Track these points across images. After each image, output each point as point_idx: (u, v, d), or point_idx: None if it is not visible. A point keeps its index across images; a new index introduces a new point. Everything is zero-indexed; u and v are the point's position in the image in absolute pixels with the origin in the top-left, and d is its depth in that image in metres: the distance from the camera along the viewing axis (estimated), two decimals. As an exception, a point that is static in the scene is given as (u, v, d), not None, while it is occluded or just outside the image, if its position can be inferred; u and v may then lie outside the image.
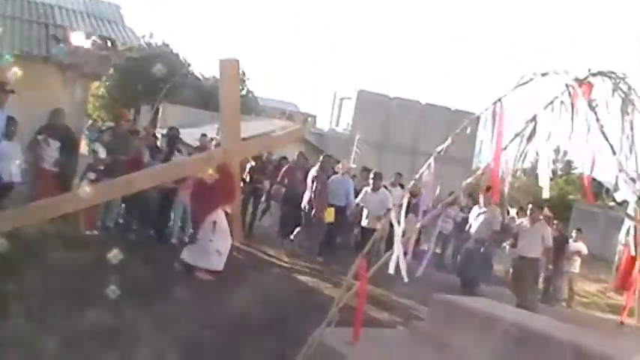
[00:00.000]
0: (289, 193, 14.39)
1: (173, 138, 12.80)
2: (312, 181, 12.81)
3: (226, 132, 10.51)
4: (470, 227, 12.46)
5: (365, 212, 12.88)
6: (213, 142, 14.72)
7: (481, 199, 12.34)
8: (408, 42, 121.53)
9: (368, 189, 13.02)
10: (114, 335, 5.99)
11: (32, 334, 5.55)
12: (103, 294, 7.02)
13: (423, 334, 6.63)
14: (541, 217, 11.34)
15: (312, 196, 12.69)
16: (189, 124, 29.04)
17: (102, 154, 11.31)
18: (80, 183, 10.97)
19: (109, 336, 5.95)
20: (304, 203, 12.87)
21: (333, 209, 12.92)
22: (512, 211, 16.57)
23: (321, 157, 14.11)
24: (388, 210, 12.38)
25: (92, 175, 10.92)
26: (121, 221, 11.89)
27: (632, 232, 11.46)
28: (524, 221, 11.91)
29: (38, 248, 8.42)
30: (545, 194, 5.45)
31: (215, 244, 9.31)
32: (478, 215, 12.13)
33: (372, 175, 13.34)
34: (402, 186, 14.75)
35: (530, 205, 11.99)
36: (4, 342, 5.35)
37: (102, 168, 11.07)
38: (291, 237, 12.96)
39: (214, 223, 9.36)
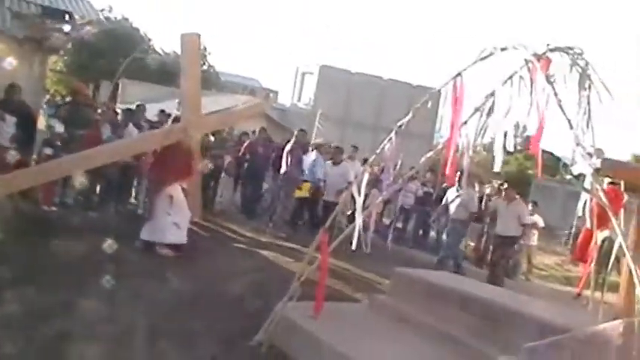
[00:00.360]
0: (251, 168, 14.39)
1: (136, 114, 12.77)
2: (287, 156, 12.75)
3: (186, 107, 10.38)
4: (447, 208, 12.54)
5: (326, 186, 12.83)
6: (171, 118, 14.60)
7: (458, 182, 12.33)
8: (369, 17, 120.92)
9: (329, 163, 13.00)
10: (70, 314, 5.92)
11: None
12: (59, 271, 6.95)
13: (384, 308, 6.71)
14: (516, 196, 11.45)
15: (287, 170, 12.64)
16: (149, 100, 28.66)
17: (59, 129, 11.13)
18: (37, 158, 10.80)
19: (65, 315, 5.88)
20: (280, 178, 12.84)
21: (308, 184, 12.93)
22: (487, 190, 16.74)
23: (296, 132, 14.09)
24: (349, 184, 12.43)
25: (49, 151, 10.75)
26: (80, 197, 11.71)
27: (588, 205, 11.75)
28: (500, 200, 12.02)
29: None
30: (497, 168, 5.55)
31: (173, 217, 9.24)
32: (455, 197, 12.19)
33: (332, 150, 13.33)
34: (365, 160, 14.86)
35: (505, 185, 12.11)
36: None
37: (59, 143, 10.89)
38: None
39: (171, 197, 9.28)
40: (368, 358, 5.14)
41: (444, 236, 13.07)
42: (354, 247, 5.64)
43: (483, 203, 14.94)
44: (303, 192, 12.90)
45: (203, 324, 6.26)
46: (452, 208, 12.28)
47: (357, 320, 6.40)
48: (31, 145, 10.75)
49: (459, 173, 12.33)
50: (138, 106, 14.60)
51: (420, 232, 16.17)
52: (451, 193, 12.50)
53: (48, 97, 25.44)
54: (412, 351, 5.59)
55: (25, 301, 5.89)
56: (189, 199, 9.90)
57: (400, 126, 5.78)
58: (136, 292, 6.89)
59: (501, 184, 14.55)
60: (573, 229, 12.54)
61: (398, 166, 10.15)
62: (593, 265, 11.12)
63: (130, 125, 12.03)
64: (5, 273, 6.45)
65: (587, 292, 11.35)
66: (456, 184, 12.33)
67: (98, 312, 6.03)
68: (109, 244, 8.21)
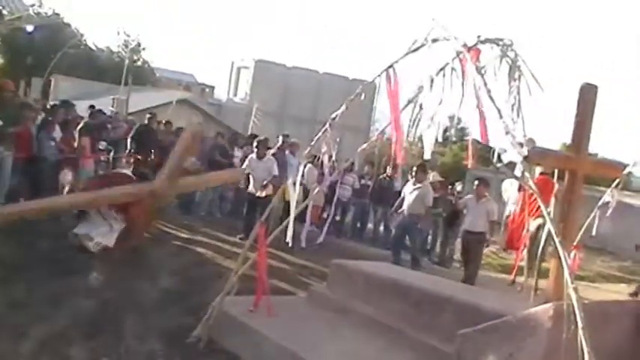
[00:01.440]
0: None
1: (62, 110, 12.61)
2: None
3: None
4: (402, 202, 12.51)
5: (251, 180, 12.75)
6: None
7: (414, 175, 12.32)
8: (309, 10, 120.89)
9: (253, 156, 12.92)
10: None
11: None
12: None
13: (323, 300, 6.74)
14: (486, 193, 11.50)
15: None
16: (82, 96, 28.23)
17: None
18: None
19: None
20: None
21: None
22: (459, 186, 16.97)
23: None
24: (274, 177, 12.41)
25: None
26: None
27: (514, 193, 12.02)
28: (471, 197, 12.04)
29: None
30: (427, 155, 5.63)
31: (109, 219, 9.14)
32: (412, 191, 12.18)
33: (255, 143, 13.25)
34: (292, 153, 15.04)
35: (476, 181, 12.16)
36: None
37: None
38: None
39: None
40: (308, 350, 5.15)
41: (396, 232, 12.94)
42: (288, 240, 5.65)
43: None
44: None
45: (140, 321, 6.18)
46: (408, 201, 12.34)
47: (296, 313, 6.41)
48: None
49: (414, 167, 12.47)
50: (63, 102, 14.52)
51: (358, 224, 16.30)
52: (407, 188, 12.51)
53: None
54: (352, 342, 5.62)
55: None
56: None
57: (334, 118, 5.81)
58: (72, 290, 6.77)
59: (441, 181, 14.83)
60: (504, 218, 12.70)
61: (333, 159, 10.16)
62: (525, 252, 11.41)
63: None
64: None
65: (521, 279, 11.66)
66: (411, 177, 12.40)
67: (31, 310, 5.90)
68: (38, 241, 8.08)
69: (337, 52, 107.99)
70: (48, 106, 14.89)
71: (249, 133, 18.87)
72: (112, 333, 5.75)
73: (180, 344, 5.75)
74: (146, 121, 15.07)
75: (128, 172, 10.01)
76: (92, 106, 17.69)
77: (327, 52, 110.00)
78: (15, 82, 13.24)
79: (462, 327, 4.62)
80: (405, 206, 12.19)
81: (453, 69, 5.08)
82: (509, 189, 12.81)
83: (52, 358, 4.93)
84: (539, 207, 5.49)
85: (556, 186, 10.19)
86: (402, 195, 12.53)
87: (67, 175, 9.94)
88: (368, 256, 11.40)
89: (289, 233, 5.64)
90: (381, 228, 15.92)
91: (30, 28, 10.93)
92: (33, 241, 8.03)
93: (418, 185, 12.06)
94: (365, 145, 6.81)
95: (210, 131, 17.56)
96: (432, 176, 15.56)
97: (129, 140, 14.23)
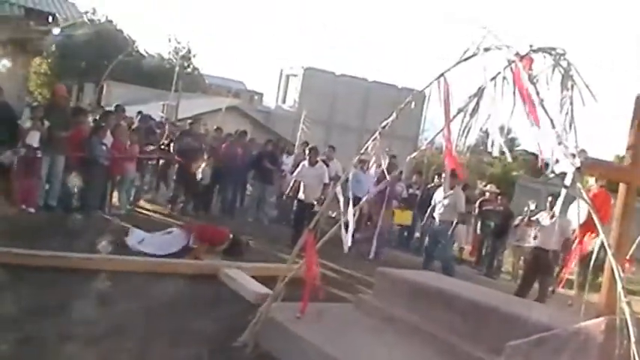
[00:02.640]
0: (230, 169, 14.53)
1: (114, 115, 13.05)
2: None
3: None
4: (433, 209, 12.39)
5: (302, 186, 12.78)
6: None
7: (446, 182, 12.20)
8: (353, 18, 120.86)
9: (305, 163, 12.97)
10: (59, 314, 5.91)
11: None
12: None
13: (369, 308, 6.73)
14: (558, 212, 11.17)
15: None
16: (132, 102, 28.69)
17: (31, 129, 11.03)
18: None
19: (56, 315, 5.86)
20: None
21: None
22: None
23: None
24: (325, 185, 12.46)
25: (20, 152, 10.66)
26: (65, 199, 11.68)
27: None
28: (543, 213, 11.75)
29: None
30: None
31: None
32: (443, 198, 12.04)
33: (308, 150, 13.31)
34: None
35: (549, 197, 11.84)
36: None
37: (35, 145, 10.77)
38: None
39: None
40: (353, 357, 5.15)
41: (428, 239, 12.69)
42: (345, 249, 5.65)
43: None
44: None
45: (187, 324, 6.26)
46: (439, 209, 12.24)
47: (343, 320, 6.40)
48: (13, 146, 10.67)
49: (443, 175, 12.36)
50: (116, 107, 14.92)
51: (405, 233, 16.24)
52: (438, 195, 12.42)
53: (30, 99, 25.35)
54: (396, 350, 5.60)
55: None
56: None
57: (384, 126, 5.80)
58: (119, 293, 6.89)
59: (485, 185, 14.67)
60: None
61: (383, 168, 10.03)
62: (576, 264, 11.16)
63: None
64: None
65: (571, 292, 11.42)
66: (443, 184, 12.28)
67: (84, 311, 6.01)
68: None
69: (387, 61, 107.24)
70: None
71: (297, 140, 18.92)
72: (160, 336, 5.83)
73: (227, 348, 5.79)
74: (187, 127, 15.25)
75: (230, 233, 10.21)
76: (140, 112, 18.03)
77: (373, 60, 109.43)
78: (68, 87, 13.54)
79: (509, 339, 4.57)
80: (436, 214, 12.07)
81: (504, 78, 5.03)
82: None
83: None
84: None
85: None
86: (433, 203, 12.41)
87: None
88: (414, 266, 11.35)
89: (346, 241, 5.64)
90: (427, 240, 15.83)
91: (56, 30, 11.23)
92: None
93: (450, 192, 11.91)
94: (414, 154, 6.80)
95: (259, 138, 17.67)
96: (488, 187, 15.43)
97: (172, 145, 14.44)
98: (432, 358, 5.49)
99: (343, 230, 5.67)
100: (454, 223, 12.02)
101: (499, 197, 15.81)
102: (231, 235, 9.99)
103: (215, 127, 16.72)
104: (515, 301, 7.10)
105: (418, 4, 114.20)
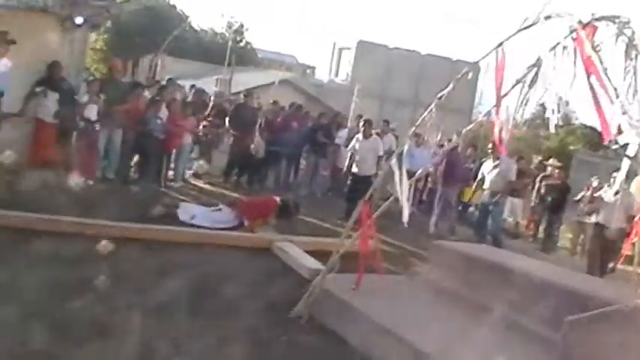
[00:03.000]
0: (284, 142, 14.56)
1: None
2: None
3: None
4: (482, 181, 12.20)
5: (356, 159, 12.71)
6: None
7: (494, 153, 11.98)
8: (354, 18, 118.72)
9: (359, 136, 12.90)
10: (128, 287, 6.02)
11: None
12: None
13: (424, 280, 6.70)
14: (621, 187, 10.88)
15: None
16: (187, 76, 28.93)
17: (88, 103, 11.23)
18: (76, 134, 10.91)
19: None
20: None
21: None
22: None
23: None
24: (379, 157, 12.38)
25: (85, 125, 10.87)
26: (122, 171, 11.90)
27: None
28: (606, 189, 11.48)
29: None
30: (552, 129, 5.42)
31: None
32: (492, 169, 11.84)
33: (362, 122, 13.21)
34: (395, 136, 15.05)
35: (614, 173, 11.54)
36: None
37: (93, 118, 10.97)
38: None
39: None
40: (407, 329, 5.13)
41: (479, 211, 12.51)
42: (405, 222, 5.60)
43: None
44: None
45: (240, 297, 6.31)
46: (488, 178, 11.98)
47: (397, 293, 6.39)
48: (72, 120, 10.88)
49: (490, 145, 12.13)
50: (168, 80, 15.14)
51: (460, 207, 16.06)
52: (487, 166, 12.24)
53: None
54: (451, 323, 5.57)
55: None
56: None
57: (440, 97, 5.71)
58: (176, 264, 6.99)
59: (542, 161, 14.39)
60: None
61: (438, 138, 9.86)
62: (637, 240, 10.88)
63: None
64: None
65: (630, 268, 11.17)
66: (492, 155, 12.06)
67: (141, 281, 6.12)
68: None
69: (440, 33, 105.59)
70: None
71: (350, 114, 18.82)
72: (214, 308, 5.89)
73: (281, 320, 5.83)
74: (242, 100, 15.25)
75: (277, 198, 10.19)
76: (193, 86, 18.12)
77: (430, 32, 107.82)
78: (124, 62, 13.70)
79: (567, 313, 4.50)
80: (486, 185, 11.90)
81: (564, 48, 4.90)
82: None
83: (163, 331, 5.07)
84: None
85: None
86: (481, 175, 12.19)
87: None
88: (469, 239, 11.24)
89: (404, 213, 5.59)
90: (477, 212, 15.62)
91: (79, 20, 11.29)
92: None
93: (497, 162, 11.71)
94: (470, 126, 6.70)
95: (312, 112, 17.62)
96: (551, 162, 15.13)
97: (227, 119, 14.51)
98: (487, 333, 5.43)
99: (404, 204, 5.62)
100: (502, 194, 11.83)
101: (556, 170, 15.52)
102: (279, 201, 9.98)
103: (272, 100, 16.72)
104: (573, 276, 6.98)
105: (418, 4, 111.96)
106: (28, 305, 4.98)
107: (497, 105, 5.37)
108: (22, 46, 9.68)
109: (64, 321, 4.93)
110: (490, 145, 11.98)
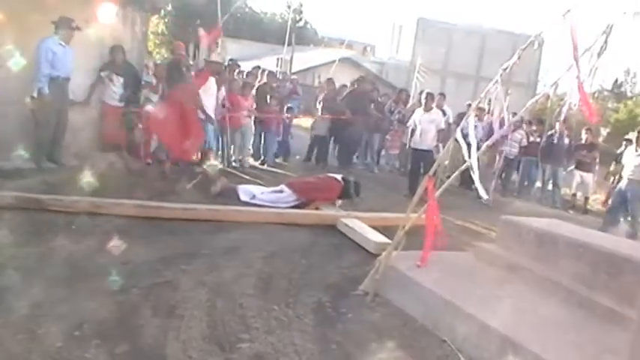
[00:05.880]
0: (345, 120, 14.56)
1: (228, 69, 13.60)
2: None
3: None
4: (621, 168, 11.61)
5: (417, 132, 12.55)
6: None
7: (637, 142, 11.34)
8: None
9: (420, 109, 12.74)
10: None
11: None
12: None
13: (491, 256, 6.59)
14: None
15: None
16: (248, 57, 29.15)
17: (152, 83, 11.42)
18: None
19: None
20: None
21: None
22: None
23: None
24: (439, 131, 12.22)
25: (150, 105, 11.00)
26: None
27: None
28: None
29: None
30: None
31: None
32: (637, 156, 11.19)
33: (424, 96, 13.04)
34: (469, 106, 14.76)
35: None
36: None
37: (154, 99, 11.15)
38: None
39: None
40: (476, 306, 5.06)
41: (615, 200, 11.78)
42: (484, 196, 5.48)
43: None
44: None
45: (306, 273, 6.34)
46: (630, 168, 11.30)
47: (464, 269, 6.30)
48: (137, 103, 11.05)
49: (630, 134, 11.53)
50: (230, 61, 15.38)
51: (526, 182, 15.78)
52: (629, 153, 11.62)
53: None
54: (521, 299, 5.46)
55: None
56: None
57: (505, 69, 5.58)
58: (242, 242, 7.07)
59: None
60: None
61: (504, 112, 9.60)
62: None
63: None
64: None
65: None
66: (634, 144, 11.49)
67: (213, 259, 6.22)
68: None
69: (503, 6, 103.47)
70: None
71: (412, 90, 18.66)
72: (280, 283, 5.93)
73: (347, 296, 5.83)
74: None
75: (337, 176, 10.17)
76: (257, 66, 18.20)
77: (492, 6, 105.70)
78: (185, 44, 13.86)
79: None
80: (626, 172, 11.36)
81: (636, 13, 4.72)
82: None
83: (231, 309, 5.14)
84: None
85: None
86: (622, 162, 11.60)
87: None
88: (535, 215, 11.03)
89: (480, 189, 5.49)
90: (549, 187, 15.31)
91: None
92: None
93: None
94: (536, 98, 6.52)
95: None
96: (631, 135, 14.57)
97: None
98: (559, 308, 5.32)
99: (477, 181, 5.52)
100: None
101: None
102: (341, 182, 9.93)
103: (328, 77, 16.69)
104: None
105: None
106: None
107: (577, 65, 5.15)
108: (85, 31, 9.86)
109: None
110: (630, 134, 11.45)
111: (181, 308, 4.93)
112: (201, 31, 13.31)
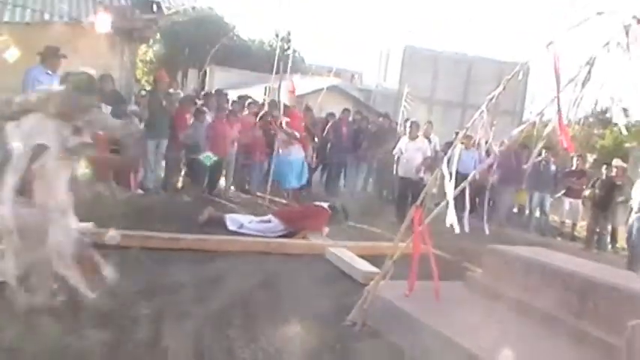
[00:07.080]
0: (334, 148, 14.61)
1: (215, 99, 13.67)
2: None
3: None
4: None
5: (402, 161, 12.60)
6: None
7: None
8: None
9: (405, 137, 12.81)
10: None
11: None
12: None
13: (479, 285, 6.59)
14: None
15: None
16: (236, 85, 29.21)
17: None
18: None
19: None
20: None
21: None
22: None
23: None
24: (425, 159, 12.24)
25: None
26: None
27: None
28: None
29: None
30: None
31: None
32: None
33: (409, 124, 13.11)
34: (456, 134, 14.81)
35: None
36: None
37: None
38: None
39: None
40: (463, 335, 5.05)
41: (627, 234, 11.25)
42: (455, 228, 5.51)
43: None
44: None
45: (294, 303, 6.31)
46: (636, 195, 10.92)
47: (452, 298, 6.29)
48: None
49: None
50: (216, 91, 15.53)
51: (515, 209, 15.85)
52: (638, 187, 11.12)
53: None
54: (509, 329, 5.46)
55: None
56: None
57: (491, 99, 5.62)
58: (229, 271, 7.05)
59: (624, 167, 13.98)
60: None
61: (489, 141, 9.63)
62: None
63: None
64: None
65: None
66: None
67: (198, 290, 6.18)
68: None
69: (487, 35, 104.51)
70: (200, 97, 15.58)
71: (399, 118, 18.77)
72: (267, 314, 5.90)
73: (335, 326, 5.80)
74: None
75: (324, 204, 10.18)
76: (241, 96, 18.16)
77: (476, 34, 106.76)
78: (173, 73, 13.95)
79: (631, 318, 4.36)
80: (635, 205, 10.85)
81: (618, 43, 4.77)
82: None
83: (217, 338, 5.11)
84: None
85: None
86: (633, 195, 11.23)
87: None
88: (523, 243, 11.03)
89: (451, 218, 5.50)
90: (537, 214, 15.35)
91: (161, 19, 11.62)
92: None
93: None
94: (522, 127, 6.56)
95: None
96: (615, 162, 14.62)
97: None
98: (546, 337, 5.32)
99: (451, 209, 5.53)
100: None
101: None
102: (328, 210, 9.93)
103: (305, 105, 16.80)
104: (637, 279, 6.78)
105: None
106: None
107: (557, 96, 5.18)
108: (74, 60, 9.88)
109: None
110: None
111: (167, 339, 4.89)
112: None
